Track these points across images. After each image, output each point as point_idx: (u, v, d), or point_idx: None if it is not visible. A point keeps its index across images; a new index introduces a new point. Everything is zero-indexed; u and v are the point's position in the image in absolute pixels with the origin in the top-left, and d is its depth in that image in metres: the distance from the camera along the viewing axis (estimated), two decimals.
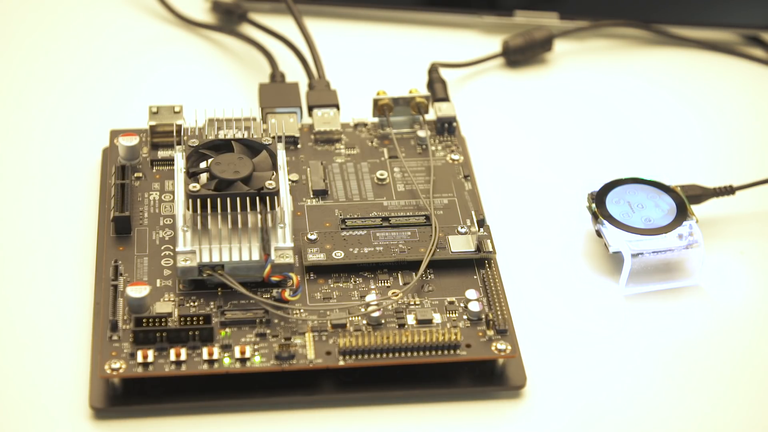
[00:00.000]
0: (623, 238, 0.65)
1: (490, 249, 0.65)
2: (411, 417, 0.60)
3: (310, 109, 0.74)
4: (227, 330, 0.61)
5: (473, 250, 0.65)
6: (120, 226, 0.66)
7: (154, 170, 0.70)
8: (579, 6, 0.85)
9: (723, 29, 0.85)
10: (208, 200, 0.63)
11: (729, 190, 0.69)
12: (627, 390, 0.62)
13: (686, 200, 0.66)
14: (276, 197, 0.63)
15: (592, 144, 0.77)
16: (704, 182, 0.70)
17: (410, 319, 0.62)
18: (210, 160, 0.65)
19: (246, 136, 0.67)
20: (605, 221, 0.65)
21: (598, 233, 0.66)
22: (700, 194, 0.69)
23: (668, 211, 0.66)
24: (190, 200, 0.63)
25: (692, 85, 0.82)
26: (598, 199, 0.67)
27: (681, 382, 0.62)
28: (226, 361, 0.59)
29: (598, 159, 0.75)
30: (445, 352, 0.60)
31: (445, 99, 0.75)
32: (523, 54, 0.82)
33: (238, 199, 0.63)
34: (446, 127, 0.73)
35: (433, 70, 0.78)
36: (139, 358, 0.59)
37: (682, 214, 0.66)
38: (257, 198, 0.63)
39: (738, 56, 0.84)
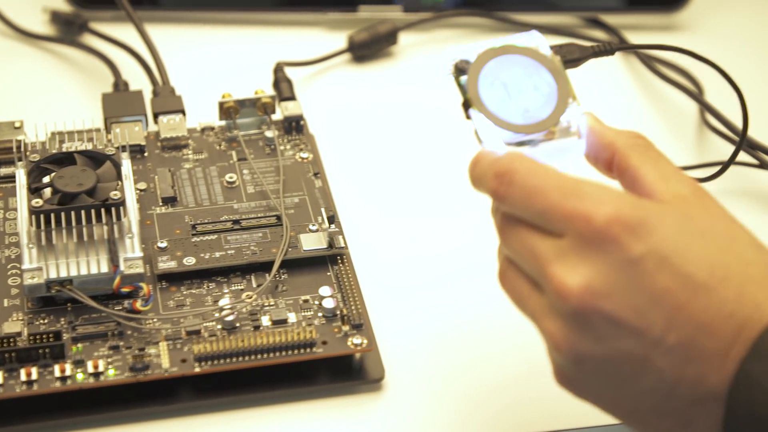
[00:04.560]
0: (499, 135, 0.56)
1: (342, 245, 0.65)
2: (273, 418, 0.60)
3: (156, 116, 0.73)
4: (79, 345, 0.60)
5: (325, 246, 0.65)
6: None
7: None
8: None
9: (563, 13, 0.86)
10: (52, 215, 0.62)
11: (608, 49, 0.61)
12: (486, 376, 0.62)
13: (568, 79, 0.57)
14: (122, 207, 0.63)
15: (442, 133, 0.77)
16: None
17: (265, 321, 0.62)
18: (53, 174, 0.64)
19: (90, 147, 0.66)
20: (480, 114, 0.56)
21: (467, 116, 0.57)
22: (578, 56, 0.60)
23: (548, 96, 0.57)
24: (34, 216, 0.62)
25: None
26: (471, 76, 0.56)
27: (543, 365, 0.63)
28: (79, 376, 0.59)
29: (447, 149, 0.76)
30: (302, 350, 0.60)
31: (292, 98, 0.75)
32: (369, 48, 0.83)
33: (82, 211, 0.62)
34: (294, 126, 0.73)
35: (278, 69, 0.78)
36: None
37: (563, 98, 0.57)
38: (102, 209, 0.62)
39: (579, 39, 0.85)
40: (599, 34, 0.86)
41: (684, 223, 0.50)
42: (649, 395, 0.50)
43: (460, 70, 0.57)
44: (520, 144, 0.56)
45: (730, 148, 0.76)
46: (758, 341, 0.48)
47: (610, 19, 0.86)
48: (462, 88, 0.57)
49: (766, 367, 0.47)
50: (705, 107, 0.77)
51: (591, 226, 0.49)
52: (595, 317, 0.49)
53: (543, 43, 0.58)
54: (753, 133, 0.73)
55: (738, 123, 0.73)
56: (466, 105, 0.56)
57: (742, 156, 0.71)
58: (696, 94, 0.78)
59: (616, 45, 0.61)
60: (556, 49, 0.59)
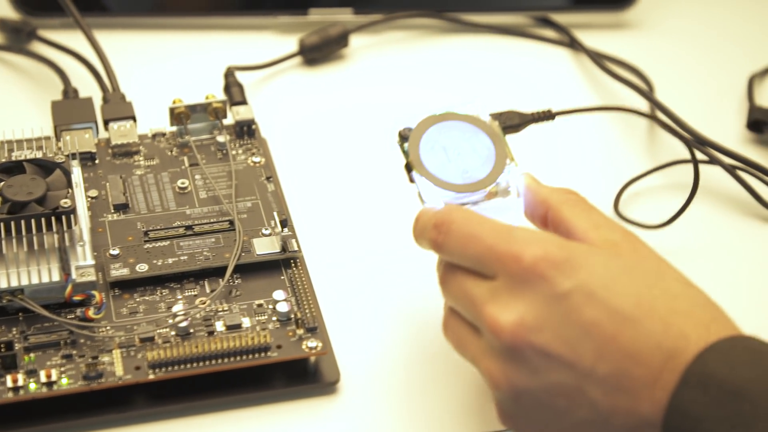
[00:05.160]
0: (440, 195, 0.59)
1: (295, 248, 0.65)
2: (229, 423, 0.60)
3: (106, 122, 0.73)
4: (31, 355, 0.59)
5: (278, 251, 0.65)
6: None
7: None
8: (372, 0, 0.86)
9: (513, 13, 0.86)
10: (2, 224, 0.61)
11: (548, 115, 0.65)
12: (442, 377, 0.62)
13: (505, 142, 0.61)
14: (73, 215, 0.62)
15: (394, 136, 0.77)
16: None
17: (219, 326, 0.62)
18: (1, 183, 0.63)
19: (40, 155, 0.65)
20: (421, 176, 0.60)
21: (411, 179, 0.61)
22: (518, 122, 0.64)
23: (486, 157, 0.60)
24: None
25: (488, 69, 0.83)
26: (412, 142, 0.61)
27: None
28: (32, 386, 0.58)
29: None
30: (257, 355, 0.60)
31: (243, 102, 0.75)
32: (320, 51, 0.83)
33: (33, 220, 0.62)
34: (245, 130, 0.73)
35: (229, 74, 0.78)
36: None
37: (500, 159, 0.60)
38: (53, 218, 0.62)
39: (530, 38, 0.86)
40: (549, 33, 0.86)
41: (610, 261, 0.53)
42: (587, 427, 0.52)
43: (403, 136, 0.61)
44: (462, 204, 0.59)
45: (681, 146, 0.76)
46: (686, 372, 0.50)
47: (560, 18, 0.86)
48: (405, 153, 0.61)
49: (694, 396, 0.49)
50: (656, 105, 0.77)
51: (520, 265, 0.52)
52: (528, 351, 0.52)
53: (483, 110, 0.62)
54: (701, 128, 0.74)
55: (688, 120, 0.74)
56: (409, 168, 0.60)
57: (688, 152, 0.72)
58: (646, 91, 0.79)
59: (557, 111, 0.65)
60: (496, 116, 0.63)
